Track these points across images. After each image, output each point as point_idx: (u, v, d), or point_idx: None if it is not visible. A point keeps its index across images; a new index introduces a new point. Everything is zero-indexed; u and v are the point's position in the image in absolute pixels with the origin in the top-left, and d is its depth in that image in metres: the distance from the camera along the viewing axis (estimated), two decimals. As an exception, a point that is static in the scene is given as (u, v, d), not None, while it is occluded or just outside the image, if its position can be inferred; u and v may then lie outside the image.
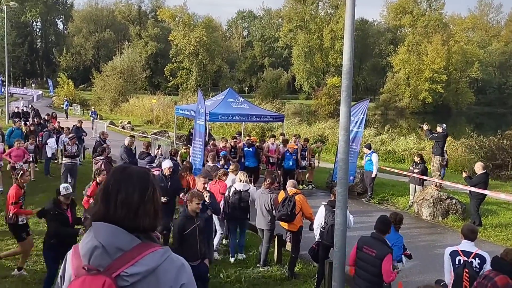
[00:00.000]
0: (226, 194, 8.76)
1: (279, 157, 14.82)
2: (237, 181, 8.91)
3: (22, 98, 46.04)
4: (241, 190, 8.61)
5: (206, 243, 6.57)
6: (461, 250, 5.72)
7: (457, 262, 5.68)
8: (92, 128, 26.97)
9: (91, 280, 1.74)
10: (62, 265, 1.96)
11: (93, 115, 31.56)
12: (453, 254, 5.75)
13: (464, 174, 11.86)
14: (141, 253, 1.78)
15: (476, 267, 5.53)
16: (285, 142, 15.04)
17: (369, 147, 14.50)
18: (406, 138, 24.78)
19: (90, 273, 1.77)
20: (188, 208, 6.29)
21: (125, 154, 12.24)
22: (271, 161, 15.02)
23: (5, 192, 12.75)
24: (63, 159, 13.09)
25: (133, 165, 2.12)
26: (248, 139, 15.59)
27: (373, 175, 13.88)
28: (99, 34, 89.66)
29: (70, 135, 13.57)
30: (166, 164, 9.26)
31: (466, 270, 5.43)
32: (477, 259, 5.60)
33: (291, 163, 14.37)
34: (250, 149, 14.52)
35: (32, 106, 33.17)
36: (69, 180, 12.34)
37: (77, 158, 13.44)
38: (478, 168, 11.42)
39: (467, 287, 5.35)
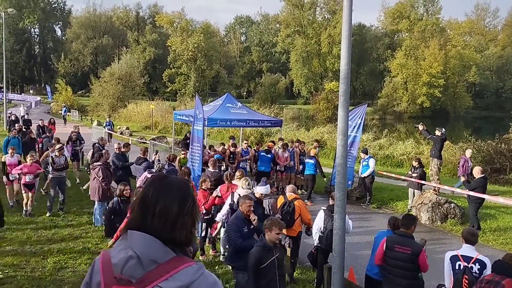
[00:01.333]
0: (230, 201, 8.60)
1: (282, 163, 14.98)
2: (240, 188, 8.79)
3: (23, 104, 45.32)
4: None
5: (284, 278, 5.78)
6: (461, 255, 5.68)
7: (457, 267, 5.65)
8: (109, 141, 22.75)
9: None
10: (89, 271, 1.89)
11: (108, 126, 27.61)
12: (453, 259, 5.73)
13: (462, 179, 11.86)
14: (176, 268, 1.72)
15: (476, 272, 5.50)
16: (285, 146, 15.17)
17: (366, 152, 14.51)
18: (404, 143, 24.80)
19: (121, 283, 1.72)
20: (266, 237, 5.54)
21: (116, 159, 12.28)
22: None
23: (15, 206, 12.09)
24: (50, 172, 11.75)
25: (172, 175, 2.06)
26: (245, 144, 15.66)
27: (364, 175, 13.92)
28: (97, 40, 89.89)
29: (58, 146, 12.46)
30: (262, 190, 8.01)
31: (466, 276, 5.40)
32: (477, 264, 5.56)
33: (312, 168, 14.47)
34: (269, 155, 14.71)
35: (11, 112, 29.59)
36: (60, 196, 11.72)
37: (65, 170, 12.17)
38: (477, 172, 11.42)
39: None
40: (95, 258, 1.90)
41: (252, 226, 6.58)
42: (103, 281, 1.78)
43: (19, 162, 12.34)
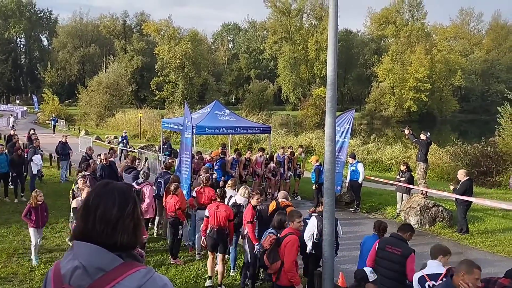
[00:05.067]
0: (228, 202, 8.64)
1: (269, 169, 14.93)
2: (238, 195, 8.78)
3: (11, 115, 43.99)
4: (241, 204, 8.53)
5: None
6: (427, 275, 5.22)
7: None
8: (123, 158, 19.43)
9: None
10: (44, 281, 1.91)
11: (123, 140, 24.53)
12: (421, 281, 5.22)
13: (451, 187, 11.96)
14: (122, 274, 1.72)
15: None
16: (271, 158, 15.26)
17: (353, 157, 14.57)
18: (392, 147, 24.95)
19: None
20: None
21: (101, 170, 12.11)
22: (256, 173, 15.15)
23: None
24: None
25: (116, 181, 2.06)
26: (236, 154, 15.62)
27: (359, 181, 13.97)
28: (84, 49, 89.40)
29: (86, 174, 10.64)
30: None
31: None
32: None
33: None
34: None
35: (13, 126, 26.46)
36: None
37: None
38: (461, 175, 11.52)
39: None
40: (49, 269, 1.90)
41: None
42: None
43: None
